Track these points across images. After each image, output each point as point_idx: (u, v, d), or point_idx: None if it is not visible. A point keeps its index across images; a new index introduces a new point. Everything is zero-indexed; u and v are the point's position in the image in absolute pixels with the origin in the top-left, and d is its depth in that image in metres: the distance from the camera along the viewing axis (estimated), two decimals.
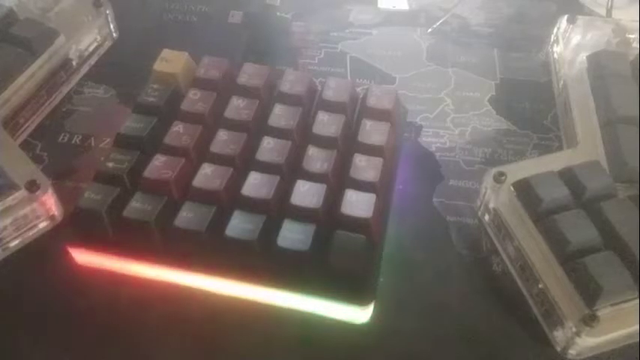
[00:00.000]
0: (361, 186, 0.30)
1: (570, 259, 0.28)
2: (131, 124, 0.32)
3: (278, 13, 0.46)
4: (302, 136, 0.33)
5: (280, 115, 0.33)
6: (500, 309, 0.31)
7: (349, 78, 0.41)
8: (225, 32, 0.44)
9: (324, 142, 0.32)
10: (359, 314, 0.29)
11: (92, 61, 0.41)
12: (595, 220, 0.29)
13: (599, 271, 0.27)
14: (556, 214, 0.29)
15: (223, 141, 0.32)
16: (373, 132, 0.32)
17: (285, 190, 0.30)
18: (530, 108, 0.40)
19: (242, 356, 0.29)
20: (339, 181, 0.31)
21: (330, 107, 0.33)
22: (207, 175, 0.30)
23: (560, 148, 0.37)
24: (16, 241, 0.31)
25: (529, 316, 0.30)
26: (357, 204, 0.29)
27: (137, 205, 0.29)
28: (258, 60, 0.36)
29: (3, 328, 0.29)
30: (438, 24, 0.45)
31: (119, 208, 0.29)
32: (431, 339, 0.30)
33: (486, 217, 0.33)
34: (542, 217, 0.30)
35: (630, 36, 0.40)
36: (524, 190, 0.31)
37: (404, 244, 0.33)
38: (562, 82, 0.38)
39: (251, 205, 0.29)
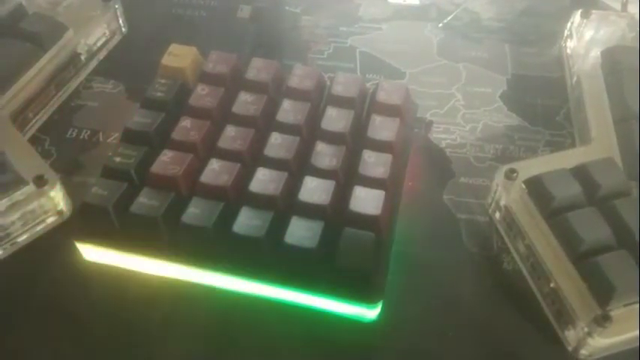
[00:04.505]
0: (370, 183, 0.30)
1: (583, 258, 0.28)
2: (139, 119, 0.32)
3: (287, 8, 0.45)
4: (310, 131, 0.33)
5: (288, 111, 0.33)
6: (510, 308, 0.30)
7: (359, 73, 0.41)
8: (234, 27, 0.44)
9: (332, 138, 0.32)
10: (367, 312, 0.28)
11: (101, 55, 0.41)
12: (608, 218, 0.29)
13: (612, 270, 0.27)
14: (569, 212, 0.29)
15: (231, 136, 0.32)
16: (383, 128, 0.32)
17: (293, 186, 0.30)
18: (543, 104, 0.39)
19: (249, 354, 0.29)
20: (347, 177, 0.31)
21: (339, 102, 0.33)
22: (215, 171, 0.30)
23: (572, 145, 0.36)
24: (24, 236, 0.31)
25: (540, 315, 0.29)
26: (366, 201, 0.29)
27: (144, 201, 0.29)
28: (267, 55, 0.36)
29: (10, 322, 0.29)
30: (448, 18, 0.45)
31: (126, 204, 0.29)
32: (439, 337, 0.29)
33: (497, 215, 0.32)
34: (555, 214, 0.29)
35: None
36: (536, 187, 0.30)
37: (413, 241, 0.32)
38: (575, 78, 0.38)
39: (259, 202, 0.29)
